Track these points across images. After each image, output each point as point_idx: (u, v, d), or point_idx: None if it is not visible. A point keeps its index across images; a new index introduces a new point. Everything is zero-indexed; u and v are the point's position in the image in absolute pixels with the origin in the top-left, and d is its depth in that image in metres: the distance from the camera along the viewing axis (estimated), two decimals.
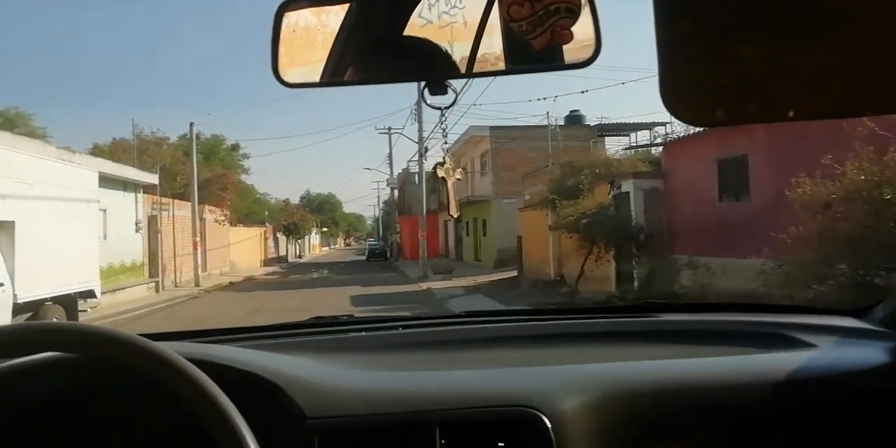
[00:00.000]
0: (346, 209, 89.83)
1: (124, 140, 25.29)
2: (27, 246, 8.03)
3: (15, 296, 7.65)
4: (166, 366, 0.64)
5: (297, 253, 53.10)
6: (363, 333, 1.33)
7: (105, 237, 17.40)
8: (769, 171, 9.74)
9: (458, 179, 1.49)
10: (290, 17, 0.87)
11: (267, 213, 41.85)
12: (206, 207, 26.57)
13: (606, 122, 26.25)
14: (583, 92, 25.71)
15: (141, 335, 0.71)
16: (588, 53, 0.81)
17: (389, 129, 38.01)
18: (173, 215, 22.93)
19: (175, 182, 24.74)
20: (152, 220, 20.36)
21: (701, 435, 0.97)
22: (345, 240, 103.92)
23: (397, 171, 42.49)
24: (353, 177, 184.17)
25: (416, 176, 39.58)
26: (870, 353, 1.12)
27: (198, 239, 23.04)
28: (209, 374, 0.67)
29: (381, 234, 69.60)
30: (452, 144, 30.30)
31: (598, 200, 12.68)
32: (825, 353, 1.13)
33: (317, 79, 0.85)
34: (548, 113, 22.28)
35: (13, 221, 7.84)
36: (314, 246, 72.48)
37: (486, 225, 27.30)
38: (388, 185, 42.93)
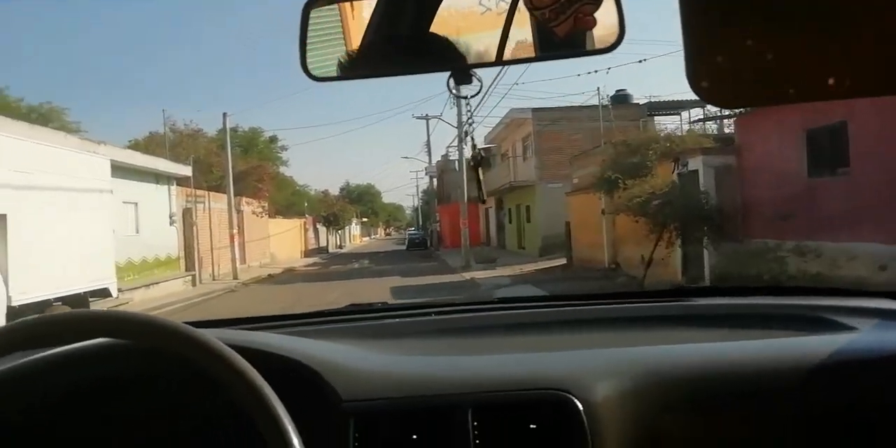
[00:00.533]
0: (386, 199, 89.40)
1: (159, 134, 24.61)
2: (25, 241, 7.10)
3: (9, 298, 6.71)
4: (208, 352, 0.64)
5: (338, 243, 52.48)
6: (397, 320, 1.34)
7: (138, 231, 16.67)
8: (877, 140, 8.18)
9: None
10: (318, 13, 0.87)
11: (306, 204, 41.15)
12: (244, 199, 25.81)
13: (656, 100, 24.51)
14: (640, 61, 23.89)
15: (184, 323, 0.71)
16: (612, 39, 0.80)
17: (427, 115, 36.68)
18: (209, 208, 22.17)
19: (211, 174, 23.99)
20: (187, 213, 19.60)
21: (737, 419, 0.94)
22: (385, 230, 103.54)
23: (436, 158, 41.34)
24: (391, 166, 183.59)
25: (456, 163, 38.37)
26: None
27: (235, 231, 22.26)
28: (249, 360, 0.67)
29: (420, 223, 68.90)
30: (493, 128, 28.97)
31: (661, 180, 11.21)
32: (866, 336, 1.09)
33: (344, 72, 0.84)
34: (598, 89, 20.62)
35: (4, 214, 6.88)
36: (355, 236, 71.98)
37: (529, 211, 25.91)
38: (426, 173, 41.80)
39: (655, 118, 24.72)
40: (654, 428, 0.92)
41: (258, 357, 0.74)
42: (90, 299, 8.78)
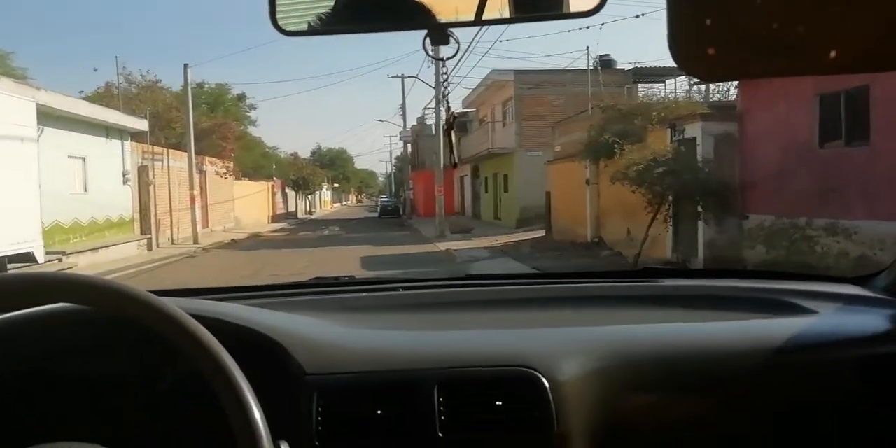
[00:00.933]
0: (358, 165, 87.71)
1: (115, 86, 22.78)
2: None
3: None
4: (169, 320, 0.64)
5: (308, 209, 51.02)
6: (364, 294, 1.33)
7: (86, 189, 15.30)
8: None
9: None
10: None
11: (274, 166, 39.56)
12: (206, 159, 24.32)
13: (642, 66, 23.48)
14: (637, 16, 22.70)
15: (151, 292, 0.70)
16: (594, 2, 0.78)
17: (402, 75, 35.12)
18: (168, 166, 20.72)
19: (171, 130, 22.40)
20: (143, 171, 18.18)
21: (700, 399, 0.96)
22: (357, 196, 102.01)
23: (412, 122, 39.93)
24: (364, 129, 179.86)
25: (432, 127, 37.10)
26: (871, 320, 1.12)
27: (196, 192, 20.87)
28: (211, 330, 0.67)
29: (393, 190, 67.71)
30: (472, 90, 27.71)
31: (660, 148, 10.26)
32: (827, 320, 1.11)
33: (316, 27, 0.81)
34: (588, 48, 19.24)
35: None
36: (325, 202, 70.45)
37: (507, 180, 24.95)
38: (401, 138, 40.42)
39: (639, 85, 23.75)
40: (619, 406, 0.92)
41: (220, 327, 0.73)
42: (9, 265, 7.59)
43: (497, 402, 0.88)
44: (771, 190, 9.36)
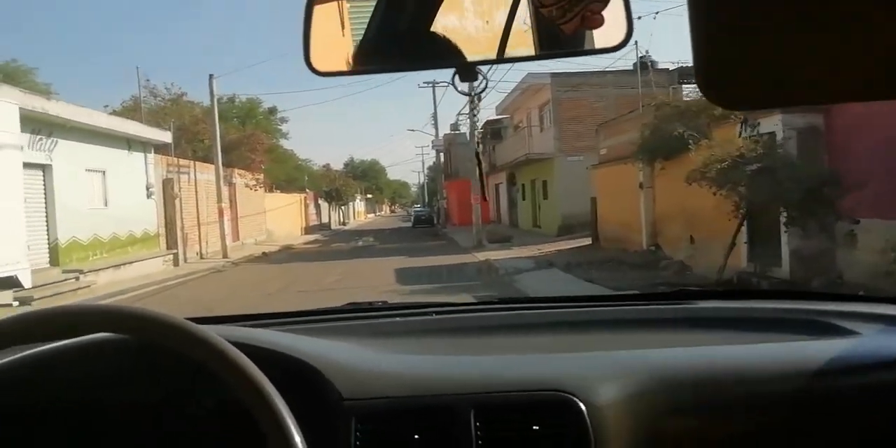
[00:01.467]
0: (391, 175, 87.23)
1: (138, 99, 22.09)
2: None
3: None
4: (210, 349, 0.64)
5: (341, 220, 50.29)
6: (397, 319, 1.32)
7: (106, 204, 14.49)
8: None
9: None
10: (322, 8, 0.86)
11: (307, 178, 38.88)
12: (236, 171, 23.55)
13: (687, 66, 21.99)
14: (655, 15, 21.29)
15: (188, 319, 0.72)
16: (620, 38, 0.79)
17: (433, 82, 34.06)
18: (195, 179, 19.94)
19: (199, 143, 21.66)
20: (168, 184, 17.39)
21: (740, 423, 0.94)
22: (390, 207, 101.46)
23: (444, 130, 38.89)
24: (396, 139, 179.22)
25: (465, 135, 36.04)
26: None
27: (224, 204, 20.04)
28: (250, 356, 0.67)
29: (426, 200, 66.84)
30: (506, 96, 26.54)
31: (737, 145, 8.86)
32: (868, 341, 1.09)
33: (348, 67, 0.84)
34: (636, 44, 17.77)
35: None
36: (359, 213, 69.83)
37: (546, 187, 23.62)
38: (433, 147, 39.39)
39: (684, 86, 22.28)
40: (657, 431, 0.91)
41: (259, 354, 0.73)
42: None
43: (534, 427, 0.86)
44: (867, 190, 7.91)
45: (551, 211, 22.77)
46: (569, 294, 7.05)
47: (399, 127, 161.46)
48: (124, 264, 14.41)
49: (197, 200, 20.02)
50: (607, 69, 21.56)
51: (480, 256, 17.14)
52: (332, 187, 43.04)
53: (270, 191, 30.04)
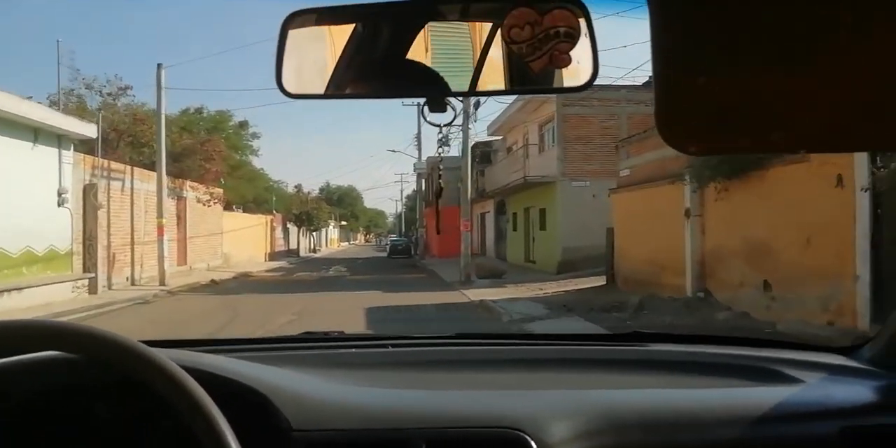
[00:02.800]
0: (367, 204, 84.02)
1: (77, 94, 18.41)
2: None
3: None
4: (159, 371, 0.64)
5: (312, 247, 46.56)
6: (353, 350, 1.32)
7: None
8: None
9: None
10: (297, 32, 0.85)
11: (275, 198, 35.37)
12: (187, 183, 20.13)
13: None
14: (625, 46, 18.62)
15: (141, 341, 0.71)
16: (586, 77, 0.81)
17: (419, 103, 31.14)
18: (131, 188, 16.48)
19: (142, 148, 18.17)
20: (89, 191, 13.90)
21: None
22: (365, 236, 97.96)
23: (428, 153, 35.91)
24: (375, 160, 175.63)
25: (451, 159, 33.11)
26: (856, 391, 1.11)
27: (166, 221, 16.54)
28: (199, 381, 0.66)
29: (403, 230, 63.77)
30: (502, 112, 23.66)
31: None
32: (813, 390, 1.10)
33: (320, 91, 0.84)
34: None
35: None
36: (332, 240, 66.10)
37: (544, 216, 20.56)
38: (415, 170, 36.37)
39: None
40: None
41: (208, 379, 0.72)
42: None
43: None
44: None
45: (549, 244, 19.65)
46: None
47: (379, 147, 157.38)
48: (12, 290, 10.84)
49: (132, 214, 16.51)
50: (618, 83, 18.88)
51: (471, 295, 13.89)
52: (303, 210, 39.50)
53: (229, 209, 26.53)
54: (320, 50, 0.84)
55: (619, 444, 0.93)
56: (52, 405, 0.87)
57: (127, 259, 16.08)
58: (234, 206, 29.27)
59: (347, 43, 0.82)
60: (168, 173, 18.56)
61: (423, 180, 37.42)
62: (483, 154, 28.51)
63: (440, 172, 1.50)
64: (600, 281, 15.21)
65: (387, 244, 47.81)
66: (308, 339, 1.42)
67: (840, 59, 0.42)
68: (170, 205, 19.06)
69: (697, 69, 0.44)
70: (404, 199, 75.55)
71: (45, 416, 0.87)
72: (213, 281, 18.13)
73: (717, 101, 0.45)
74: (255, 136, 39.51)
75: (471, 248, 33.38)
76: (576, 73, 0.80)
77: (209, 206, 20.38)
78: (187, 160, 19.42)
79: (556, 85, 0.81)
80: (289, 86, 0.84)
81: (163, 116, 16.24)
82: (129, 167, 16.38)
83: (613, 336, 1.61)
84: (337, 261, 33.39)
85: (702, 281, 10.37)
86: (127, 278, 16.03)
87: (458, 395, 1.03)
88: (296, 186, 42.56)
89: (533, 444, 0.87)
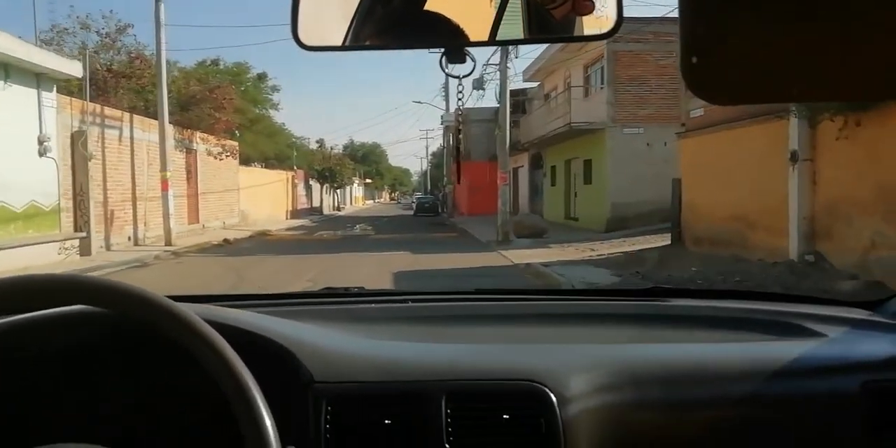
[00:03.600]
0: (392, 161, 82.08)
1: (61, 27, 16.11)
2: None
3: None
4: (185, 325, 0.65)
5: (336, 205, 44.94)
6: (373, 305, 1.32)
7: None
8: None
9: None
10: None
11: (296, 154, 33.51)
12: (197, 135, 18.30)
13: None
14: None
15: (167, 296, 0.72)
16: (609, 25, 0.79)
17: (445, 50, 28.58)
18: (131, 138, 14.69)
19: (148, 94, 16.19)
20: (77, 139, 12.11)
21: (706, 419, 0.94)
22: (390, 194, 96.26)
23: (456, 105, 33.54)
24: (400, 115, 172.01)
25: (480, 111, 30.78)
26: (879, 345, 1.09)
27: (171, 174, 14.78)
28: (224, 335, 0.67)
29: (428, 188, 61.85)
30: (539, 55, 21.23)
31: None
32: (835, 344, 1.09)
33: (337, 42, 0.83)
34: None
35: None
36: (357, 198, 64.48)
37: (589, 168, 18.40)
38: (442, 122, 34.10)
39: None
40: (624, 424, 0.91)
41: (232, 333, 0.73)
42: None
43: (504, 416, 0.86)
44: None
45: (596, 199, 17.55)
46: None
47: (404, 100, 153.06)
48: None
49: (133, 167, 14.78)
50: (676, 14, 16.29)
51: (513, 257, 12.00)
52: (326, 166, 37.66)
53: (246, 165, 24.77)
54: (337, 0, 0.82)
55: (638, 398, 0.92)
56: (77, 359, 0.88)
57: (128, 217, 14.43)
58: (253, 163, 27.53)
59: None
60: (175, 124, 16.73)
61: (451, 134, 35.20)
62: (517, 103, 26.15)
63: (459, 126, 1.03)
64: (661, 240, 13.17)
65: (413, 202, 46.03)
66: (329, 294, 1.44)
67: (863, 12, 0.43)
68: (178, 158, 17.30)
69: (723, 21, 0.44)
70: (430, 157, 73.42)
71: (70, 368, 0.88)
72: (225, 240, 16.49)
73: (742, 51, 0.45)
74: (274, 89, 37.42)
75: (496, 205, 31.46)
76: (599, 20, 0.79)
77: (221, 159, 18.58)
78: (196, 109, 17.50)
79: (578, 33, 0.80)
80: (305, 37, 0.83)
81: (163, 54, 14.24)
82: (127, 114, 14.53)
83: (633, 291, 1.59)
84: (361, 219, 31.72)
85: (811, 242, 8.29)
86: (129, 238, 14.42)
87: (478, 348, 1.03)
88: (318, 141, 40.62)
89: (552, 396, 0.87)
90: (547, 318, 1.25)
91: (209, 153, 18.32)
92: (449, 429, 0.85)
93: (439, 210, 36.74)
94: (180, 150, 17.36)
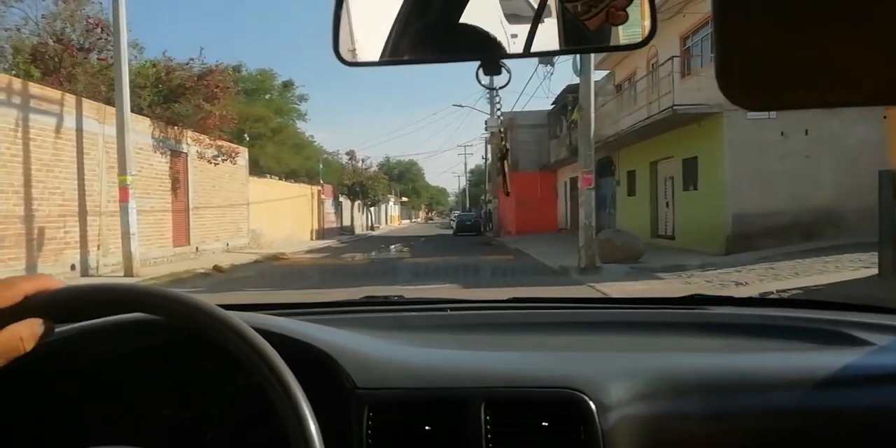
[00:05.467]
0: (428, 178, 78.28)
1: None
2: None
3: None
4: (235, 333, 0.67)
5: (370, 224, 40.82)
6: (413, 313, 1.32)
7: None
8: None
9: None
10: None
11: (322, 166, 29.47)
12: (188, 134, 14.28)
13: None
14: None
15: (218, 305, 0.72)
16: (644, 34, 0.77)
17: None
18: (79, 129, 10.65)
19: (105, 72, 12.20)
20: None
21: (749, 430, 0.90)
22: (426, 213, 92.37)
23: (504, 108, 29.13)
24: (439, 119, 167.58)
25: (529, 115, 26.45)
26: None
27: (130, 179, 10.59)
28: (270, 342, 0.69)
29: (467, 206, 57.72)
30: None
31: None
32: (884, 353, 1.01)
33: (376, 58, 0.82)
34: None
35: None
36: (392, 218, 60.39)
37: (693, 169, 13.75)
38: (486, 128, 29.79)
39: None
40: (663, 434, 0.88)
41: (278, 341, 0.73)
42: None
43: (543, 423, 0.85)
44: None
45: (706, 210, 12.87)
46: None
47: (444, 102, 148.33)
48: None
49: (81, 169, 10.72)
50: None
51: (614, 292, 7.51)
52: (356, 181, 33.52)
53: (261, 175, 20.74)
54: (376, 17, 0.82)
55: (678, 407, 0.90)
56: (133, 363, 0.91)
57: (71, 238, 10.34)
58: (268, 174, 23.59)
59: (402, 6, 0.80)
60: (157, 119, 12.78)
61: (495, 142, 30.85)
62: (568, 103, 21.71)
63: (502, 134, 1.22)
64: (832, 266, 8.48)
65: (452, 220, 41.77)
66: (370, 302, 1.45)
67: None
68: (158, 161, 13.29)
69: (759, 24, 0.43)
70: (468, 174, 69.44)
71: (127, 372, 0.91)
72: (215, 268, 12.33)
73: (778, 56, 0.43)
74: (302, 98, 33.89)
75: (552, 221, 26.89)
76: (633, 29, 0.78)
77: (216, 164, 14.47)
78: (184, 102, 13.49)
79: (613, 43, 0.79)
80: (345, 53, 0.83)
81: (121, 10, 10.17)
82: (71, 97, 10.52)
83: (673, 299, 1.52)
84: (396, 239, 27.50)
85: None
86: (73, 266, 10.32)
87: (517, 356, 1.01)
88: (347, 153, 36.46)
89: (592, 404, 0.87)
90: (585, 327, 1.22)
91: (201, 156, 14.23)
92: (488, 435, 0.85)
93: (481, 228, 32.35)
94: (162, 153, 13.36)
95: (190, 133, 14.25)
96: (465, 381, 0.89)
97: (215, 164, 14.41)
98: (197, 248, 14.89)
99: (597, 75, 20.26)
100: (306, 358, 0.86)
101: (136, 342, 0.89)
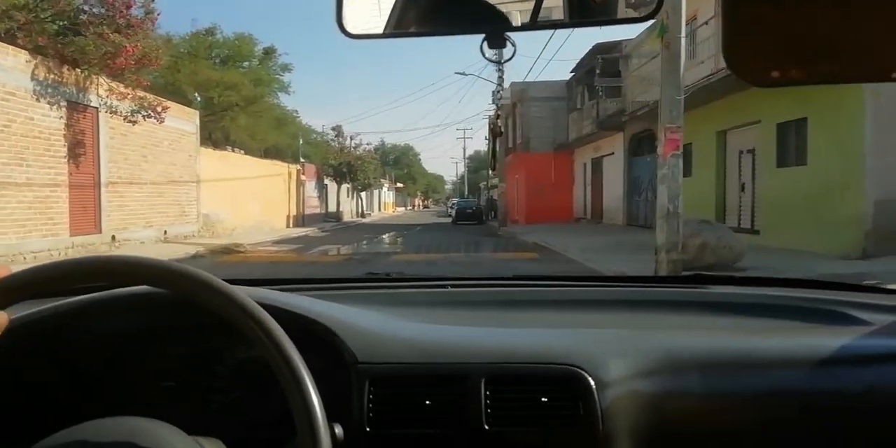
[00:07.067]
0: (425, 164, 74.32)
1: None
2: None
3: None
4: (239, 306, 0.67)
5: (361, 211, 36.84)
6: (414, 290, 1.33)
7: None
8: None
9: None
10: None
11: (301, 141, 25.39)
12: (99, 81, 10.26)
13: None
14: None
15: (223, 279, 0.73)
16: (650, 8, 0.77)
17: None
18: None
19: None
20: None
21: (747, 408, 0.91)
22: (423, 201, 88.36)
23: (513, 79, 25.20)
24: (438, 89, 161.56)
25: (543, 85, 22.58)
26: None
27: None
28: (274, 317, 0.70)
29: (466, 193, 53.89)
30: None
31: None
32: (882, 332, 1.02)
33: (380, 30, 0.83)
34: None
35: None
36: (386, 204, 56.33)
37: (801, 137, 9.86)
38: (493, 100, 25.89)
39: None
40: (664, 410, 0.89)
41: (282, 315, 0.75)
42: None
43: (543, 399, 0.86)
44: None
45: (825, 193, 8.99)
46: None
47: (443, 71, 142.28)
48: None
49: None
50: None
51: None
52: (343, 160, 29.46)
53: (218, 147, 16.75)
54: None
55: (677, 385, 0.90)
56: (138, 336, 0.91)
57: None
58: (237, 149, 19.61)
59: None
60: (45, 56, 8.84)
61: (498, 118, 26.89)
62: (607, 63, 17.78)
63: (498, 112, 1.20)
64: None
65: (450, 208, 37.91)
66: (371, 279, 1.47)
67: None
68: (47, 116, 9.31)
69: (766, 1, 0.43)
70: (466, 161, 65.48)
71: (132, 345, 0.92)
72: None
73: (784, 33, 0.44)
74: (285, 68, 29.63)
75: (567, 209, 22.83)
76: (638, 3, 0.75)
77: (132, 121, 10.41)
78: (85, 35, 9.44)
79: (619, 16, 0.78)
80: (349, 25, 0.82)
81: None
82: None
83: (674, 278, 1.55)
84: (387, 227, 23.64)
85: None
86: None
87: (517, 332, 1.01)
88: (333, 128, 32.18)
89: (591, 380, 0.87)
90: (586, 304, 1.23)
91: (112, 111, 10.21)
92: (488, 410, 0.86)
93: (483, 217, 28.51)
94: (52, 104, 9.38)
95: (104, 80, 10.25)
96: (465, 356, 0.90)
97: (133, 123, 10.39)
98: (114, 237, 10.98)
99: (637, 29, 16.36)
100: (309, 332, 0.87)
101: (140, 316, 0.90)
